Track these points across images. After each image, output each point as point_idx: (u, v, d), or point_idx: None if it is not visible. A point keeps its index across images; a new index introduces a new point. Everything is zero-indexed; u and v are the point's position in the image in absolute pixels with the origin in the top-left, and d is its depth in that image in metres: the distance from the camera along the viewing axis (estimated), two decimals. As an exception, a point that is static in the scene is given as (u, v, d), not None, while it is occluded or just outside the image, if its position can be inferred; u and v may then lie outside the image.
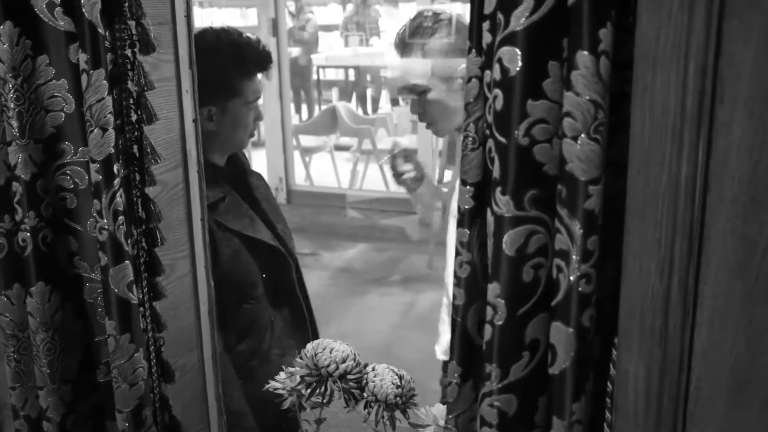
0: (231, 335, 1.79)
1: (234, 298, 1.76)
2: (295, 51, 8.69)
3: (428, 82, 1.81)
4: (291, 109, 6.99)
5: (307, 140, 6.76)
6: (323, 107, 7.97)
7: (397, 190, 6.37)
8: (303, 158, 6.75)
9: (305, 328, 1.98)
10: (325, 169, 6.82)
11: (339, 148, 6.96)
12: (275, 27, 6.40)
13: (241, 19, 10.31)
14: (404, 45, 1.85)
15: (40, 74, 1.17)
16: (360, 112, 7.32)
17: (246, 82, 1.75)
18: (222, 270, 1.69)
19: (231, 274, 1.73)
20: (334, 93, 9.65)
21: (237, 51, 1.74)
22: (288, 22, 7.75)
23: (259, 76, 1.79)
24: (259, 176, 1.97)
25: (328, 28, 9.90)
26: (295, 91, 8.72)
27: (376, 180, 6.45)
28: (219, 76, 1.67)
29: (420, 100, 1.84)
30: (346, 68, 9.47)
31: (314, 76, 9.48)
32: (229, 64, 1.72)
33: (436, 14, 1.87)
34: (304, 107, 9.28)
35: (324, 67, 9.66)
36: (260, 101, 1.84)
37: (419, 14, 1.88)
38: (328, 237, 5.71)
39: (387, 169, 1.97)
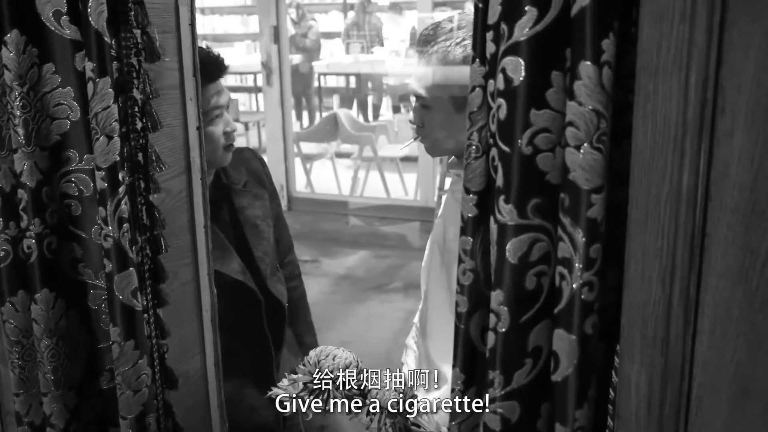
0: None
1: None
2: (296, 58, 8.71)
3: (433, 96, 1.61)
4: (292, 116, 7.00)
5: (308, 147, 6.76)
6: (324, 114, 7.98)
7: (397, 197, 6.39)
8: (304, 165, 6.75)
9: (269, 361, 1.86)
10: (326, 176, 6.82)
11: (340, 155, 6.96)
12: (277, 34, 6.41)
13: (243, 27, 10.34)
14: (423, 47, 1.64)
15: (46, 82, 1.18)
16: (361, 119, 7.33)
17: (208, 90, 1.64)
18: None
19: None
20: (335, 100, 9.66)
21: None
22: (290, 30, 7.77)
23: (216, 84, 1.67)
24: (254, 195, 1.86)
25: (329, 36, 9.92)
26: (296, 98, 8.73)
27: (377, 187, 6.45)
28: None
29: (422, 111, 1.66)
30: (348, 75, 9.49)
31: (315, 83, 9.49)
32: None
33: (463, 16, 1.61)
34: (305, 114, 9.29)
35: (325, 74, 9.67)
36: (227, 112, 1.73)
37: (446, 19, 1.64)
38: (329, 244, 5.70)
39: None
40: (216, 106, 1.67)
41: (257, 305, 1.81)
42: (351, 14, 9.41)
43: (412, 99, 1.67)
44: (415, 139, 1.68)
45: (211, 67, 1.63)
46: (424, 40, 1.63)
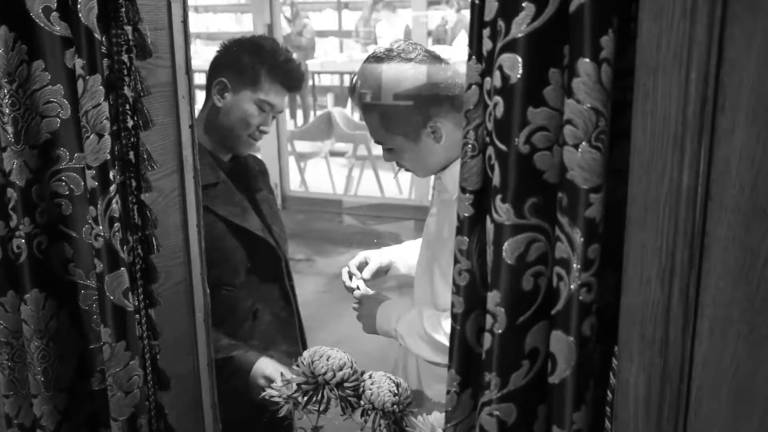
0: None
1: (210, 283, 1.73)
2: (291, 56, 8.67)
3: (388, 141, 1.61)
4: (286, 115, 6.98)
5: (302, 146, 6.75)
6: (318, 113, 7.96)
7: (392, 195, 6.39)
8: (298, 164, 6.73)
9: (293, 323, 2.00)
10: (320, 175, 6.81)
11: (334, 153, 6.95)
12: (271, 32, 6.40)
13: (237, 25, 10.31)
14: (357, 99, 1.65)
15: (36, 79, 1.17)
16: (355, 117, 7.32)
17: (265, 81, 1.82)
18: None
19: (209, 258, 1.70)
20: (330, 98, 9.65)
21: (272, 55, 1.85)
22: (284, 28, 7.75)
23: (282, 91, 1.86)
24: (270, 190, 2.03)
25: (323, 34, 9.90)
26: (291, 96, 8.71)
27: (372, 186, 6.44)
28: (249, 63, 1.82)
29: (389, 154, 1.65)
30: (342, 74, 9.47)
31: (310, 82, 9.47)
32: (262, 60, 1.83)
33: (388, 51, 1.59)
34: (299, 113, 9.28)
35: (319, 73, 9.66)
36: (272, 119, 1.91)
37: (370, 56, 1.64)
38: (323, 243, 5.69)
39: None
40: (270, 104, 1.85)
41: (278, 261, 1.94)
42: (362, 13, 9.38)
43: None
44: (399, 168, 1.71)
45: (291, 74, 1.86)
46: (357, 92, 1.62)
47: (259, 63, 1.82)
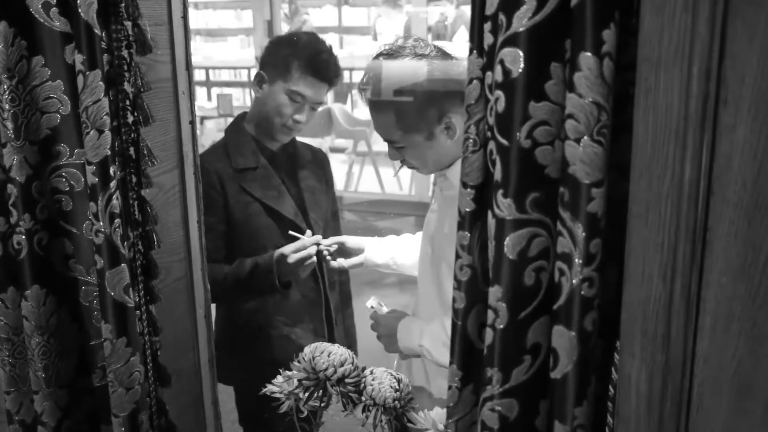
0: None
1: (240, 255, 1.95)
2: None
3: (401, 139, 1.58)
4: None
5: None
6: (318, 109, 7.93)
7: (392, 192, 6.39)
8: (298, 160, 6.73)
9: (320, 303, 2.08)
10: (321, 171, 6.79)
11: (334, 149, 6.95)
12: (271, 29, 6.39)
13: (237, 21, 10.30)
14: (370, 95, 1.62)
15: (36, 75, 1.16)
16: (355, 114, 7.31)
17: (300, 73, 1.91)
18: (232, 225, 1.94)
19: (240, 231, 1.94)
20: (329, 95, 9.64)
21: (305, 48, 1.95)
22: (284, 26, 7.73)
23: (316, 82, 1.93)
24: (323, 180, 2.14)
25: (323, 30, 9.88)
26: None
27: (372, 182, 6.44)
28: (282, 56, 1.93)
29: (395, 152, 1.63)
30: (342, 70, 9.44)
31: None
32: (294, 52, 1.93)
33: (400, 47, 1.56)
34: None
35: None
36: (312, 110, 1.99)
37: (381, 53, 1.60)
38: (324, 239, 5.68)
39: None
40: (304, 95, 1.93)
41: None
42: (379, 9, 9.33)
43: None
44: (402, 165, 1.70)
45: (324, 66, 1.94)
46: (368, 85, 1.60)
47: (291, 55, 1.92)
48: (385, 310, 1.74)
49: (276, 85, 1.93)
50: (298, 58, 1.91)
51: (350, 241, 1.99)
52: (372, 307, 1.76)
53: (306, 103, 1.95)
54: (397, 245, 2.01)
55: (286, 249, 1.89)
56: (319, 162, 2.16)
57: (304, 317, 2.05)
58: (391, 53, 1.57)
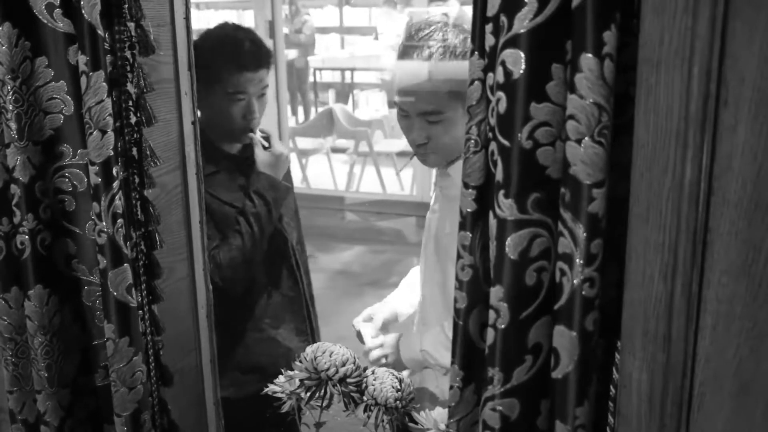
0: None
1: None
2: (291, 53, 8.68)
3: (446, 107, 1.49)
4: (287, 111, 6.97)
5: (303, 142, 6.75)
6: (320, 109, 7.95)
7: (393, 192, 6.38)
8: (299, 160, 6.73)
9: (300, 302, 2.04)
10: (322, 172, 6.80)
11: (335, 150, 6.95)
12: (272, 29, 6.39)
13: (238, 22, 10.30)
14: (433, 51, 1.54)
15: (39, 76, 1.17)
16: (357, 114, 7.32)
17: (230, 73, 1.80)
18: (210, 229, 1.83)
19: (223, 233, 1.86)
20: (331, 95, 9.64)
21: (224, 43, 1.83)
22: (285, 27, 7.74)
23: (254, 73, 1.81)
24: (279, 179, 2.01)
25: (324, 30, 9.89)
26: (292, 93, 8.71)
27: (373, 182, 6.44)
28: (209, 61, 1.77)
29: (429, 127, 1.53)
30: (343, 70, 9.46)
31: (311, 78, 9.46)
32: (212, 54, 1.79)
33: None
34: (300, 109, 9.27)
35: (320, 69, 9.65)
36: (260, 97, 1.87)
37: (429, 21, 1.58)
38: (325, 239, 5.69)
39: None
40: (240, 90, 1.81)
41: (286, 243, 1.99)
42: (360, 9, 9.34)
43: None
44: (412, 158, 1.65)
45: (250, 57, 1.81)
46: (419, 37, 1.56)
47: (215, 58, 1.80)
48: (378, 341, 1.72)
49: (214, 94, 1.81)
50: (223, 58, 1.80)
51: (379, 314, 1.81)
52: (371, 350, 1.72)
53: (251, 96, 1.84)
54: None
55: None
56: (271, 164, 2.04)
57: (285, 316, 2.02)
58: (457, 24, 1.56)
